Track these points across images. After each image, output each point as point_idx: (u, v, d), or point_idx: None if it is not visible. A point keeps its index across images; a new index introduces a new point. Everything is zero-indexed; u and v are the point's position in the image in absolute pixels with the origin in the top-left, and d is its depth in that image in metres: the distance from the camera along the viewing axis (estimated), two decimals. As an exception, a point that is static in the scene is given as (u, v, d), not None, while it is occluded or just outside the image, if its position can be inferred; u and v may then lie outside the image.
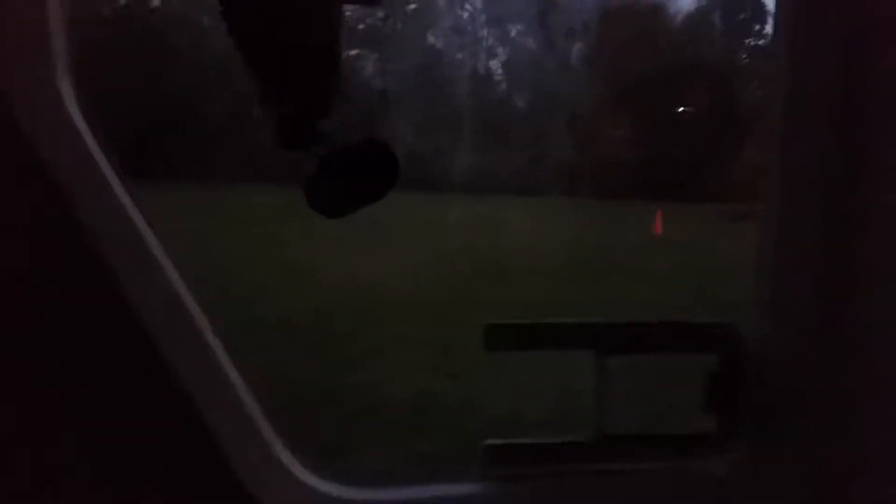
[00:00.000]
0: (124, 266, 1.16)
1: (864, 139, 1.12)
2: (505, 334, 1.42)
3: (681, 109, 16.56)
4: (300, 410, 4.15)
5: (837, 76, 1.12)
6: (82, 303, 1.16)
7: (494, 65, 19.90)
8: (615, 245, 10.50)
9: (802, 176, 1.19)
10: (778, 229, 1.23)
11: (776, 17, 1.25)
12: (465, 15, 20.23)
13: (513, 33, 19.97)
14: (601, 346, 1.35)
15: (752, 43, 17.48)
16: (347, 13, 0.80)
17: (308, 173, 0.86)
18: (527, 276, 7.94)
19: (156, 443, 1.19)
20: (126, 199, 1.18)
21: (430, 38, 19.96)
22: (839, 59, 1.11)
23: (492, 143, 16.69)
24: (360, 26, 19.03)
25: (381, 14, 19.14)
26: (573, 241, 10.85)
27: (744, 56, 17.30)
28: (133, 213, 1.18)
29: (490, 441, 1.37)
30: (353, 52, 19.59)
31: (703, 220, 12.10)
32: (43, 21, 1.07)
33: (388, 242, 9.66)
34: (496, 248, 9.79)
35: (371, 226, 7.92)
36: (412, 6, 19.68)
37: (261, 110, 0.82)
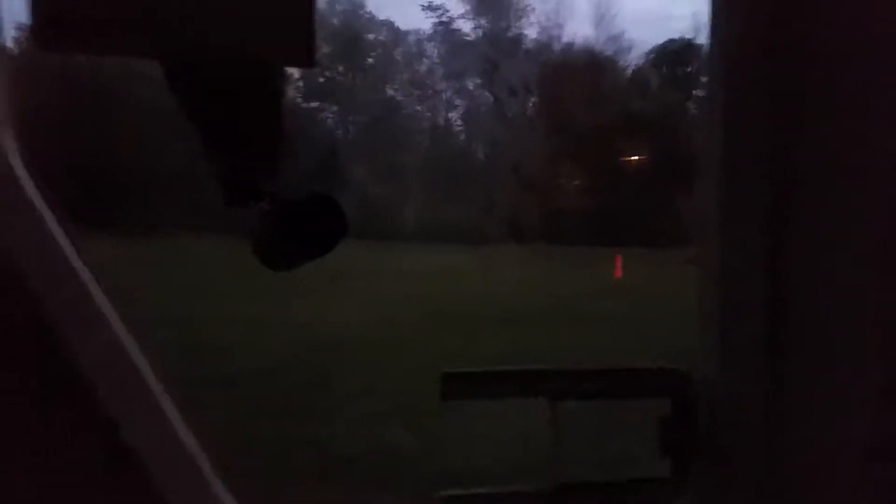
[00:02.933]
0: (68, 322, 1.13)
1: (800, 180, 1.17)
2: (460, 383, 1.42)
3: (633, 158, 17.11)
4: (255, 468, 4.03)
5: (772, 119, 1.17)
6: (24, 359, 1.12)
7: (453, 116, 20.38)
8: (572, 290, 10.61)
9: (740, 218, 1.23)
10: (719, 273, 1.26)
11: (708, 64, 1.31)
12: (423, 69, 20.75)
13: (470, 86, 20.54)
14: (555, 392, 1.36)
15: (700, 93, 18.28)
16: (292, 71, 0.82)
17: (255, 228, 0.86)
18: (492, 324, 7.97)
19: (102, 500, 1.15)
20: (71, 253, 1.16)
21: (389, 91, 20.35)
22: (773, 102, 1.17)
23: (451, 192, 16.92)
24: (320, 79, 19.34)
25: (340, 68, 19.47)
26: (531, 287, 10.94)
27: (692, 106, 18.06)
28: (78, 266, 1.16)
29: (446, 492, 1.35)
30: (313, 105, 19.86)
31: (652, 263, 12.34)
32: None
33: (345, 292, 9.58)
34: (459, 299, 9.78)
35: (328, 276, 7.87)
36: (370, 60, 20.08)
37: (205, 166, 0.82)
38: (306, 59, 0.69)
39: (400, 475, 4.02)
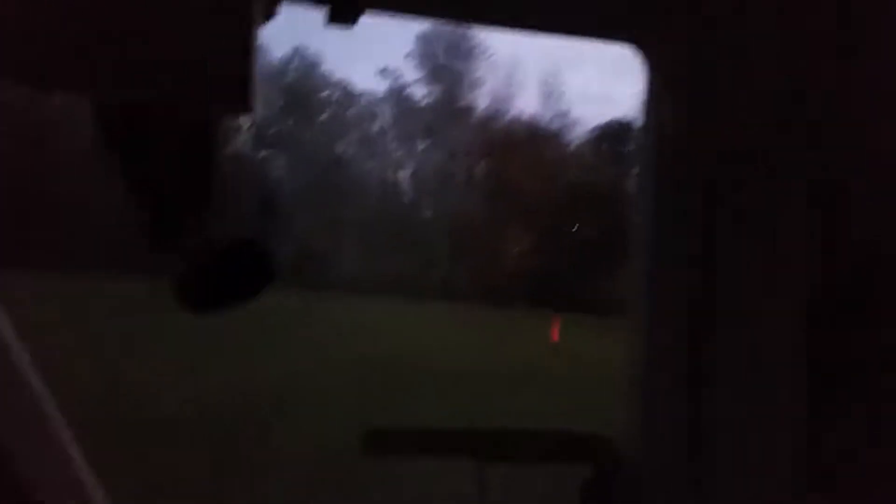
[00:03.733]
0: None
1: (724, 253, 1.20)
2: (385, 439, 1.40)
3: (572, 227, 17.59)
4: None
5: (699, 190, 1.20)
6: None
7: (402, 175, 20.63)
8: (508, 351, 10.61)
9: (668, 293, 1.26)
10: (646, 346, 1.28)
11: (642, 140, 1.35)
12: (375, 129, 21.02)
13: (420, 148, 20.88)
14: (480, 453, 1.35)
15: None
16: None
17: (177, 268, 0.80)
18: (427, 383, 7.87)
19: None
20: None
21: (340, 147, 20.46)
22: (701, 174, 1.20)
23: (393, 247, 16.96)
24: (270, 130, 19.35)
25: (290, 121, 19.52)
26: (467, 345, 10.86)
27: (630, 182, 18.83)
28: None
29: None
30: (262, 154, 19.78)
31: (591, 329, 12.47)
32: None
33: (279, 341, 9.31)
34: (395, 354, 9.65)
35: (261, 323, 7.68)
36: (322, 117, 20.25)
37: (127, 208, 0.78)
38: (243, 106, 0.70)
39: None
